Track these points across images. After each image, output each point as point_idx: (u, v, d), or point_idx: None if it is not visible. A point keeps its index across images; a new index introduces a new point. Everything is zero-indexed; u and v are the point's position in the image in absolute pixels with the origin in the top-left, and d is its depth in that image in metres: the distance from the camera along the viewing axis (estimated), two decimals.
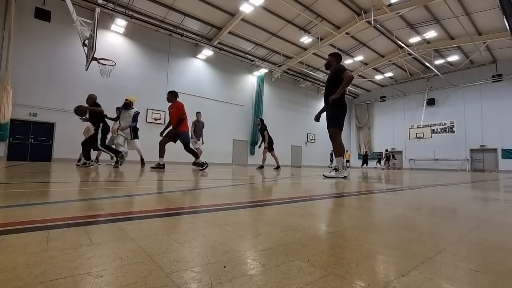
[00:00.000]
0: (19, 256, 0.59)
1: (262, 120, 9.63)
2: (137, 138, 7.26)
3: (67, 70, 11.95)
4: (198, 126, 9.03)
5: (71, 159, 11.61)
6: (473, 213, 1.42)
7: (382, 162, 22.45)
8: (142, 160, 7.21)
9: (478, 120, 19.73)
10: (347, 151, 21.93)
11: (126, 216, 1.07)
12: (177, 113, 5.86)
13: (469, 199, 2.13)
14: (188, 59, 16.10)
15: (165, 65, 15.12)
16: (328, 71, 4.70)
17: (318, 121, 5.05)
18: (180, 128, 5.87)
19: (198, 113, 9.14)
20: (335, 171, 4.30)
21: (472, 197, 2.33)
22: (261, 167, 9.18)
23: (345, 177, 4.22)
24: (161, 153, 5.95)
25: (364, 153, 23.36)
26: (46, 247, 0.65)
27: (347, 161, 22.75)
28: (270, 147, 9.39)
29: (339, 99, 4.32)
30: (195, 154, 6.05)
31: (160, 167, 5.86)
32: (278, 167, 9.17)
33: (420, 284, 0.50)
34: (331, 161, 21.34)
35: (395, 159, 22.10)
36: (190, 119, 6.90)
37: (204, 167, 5.84)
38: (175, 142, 6.05)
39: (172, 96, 6.05)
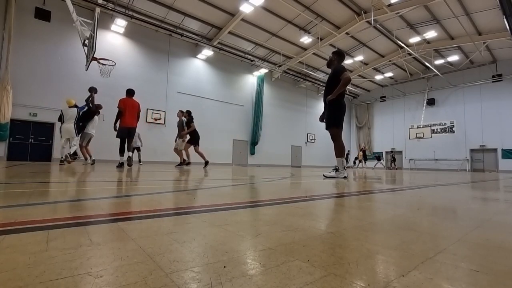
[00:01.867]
0: (19, 256, 0.59)
1: (189, 112, 8.61)
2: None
3: (67, 70, 11.94)
4: (178, 125, 8.53)
5: None
6: (473, 213, 1.42)
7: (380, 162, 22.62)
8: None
9: (478, 120, 19.72)
10: (362, 149, 21.17)
11: (126, 216, 1.07)
12: None
13: (469, 199, 2.13)
14: (188, 59, 16.09)
15: (165, 65, 15.12)
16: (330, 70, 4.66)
17: (323, 122, 4.94)
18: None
19: (178, 112, 8.74)
20: (336, 171, 4.30)
21: (472, 197, 2.33)
22: (184, 163, 8.22)
23: (345, 177, 4.22)
24: (121, 151, 6.36)
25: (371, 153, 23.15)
26: (46, 247, 0.65)
27: (361, 160, 21.85)
28: (195, 142, 8.39)
29: (338, 100, 4.31)
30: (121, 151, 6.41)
31: (121, 165, 6.14)
32: (206, 164, 8.19)
33: (420, 284, 0.50)
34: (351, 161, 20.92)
35: (381, 159, 22.25)
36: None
37: (122, 164, 6.14)
38: (129, 137, 6.51)
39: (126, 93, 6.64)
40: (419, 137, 21.05)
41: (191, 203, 1.49)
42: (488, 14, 13.94)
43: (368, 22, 14.42)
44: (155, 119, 14.36)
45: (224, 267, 0.56)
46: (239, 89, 18.60)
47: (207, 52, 15.96)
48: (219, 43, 16.16)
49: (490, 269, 0.59)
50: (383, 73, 21.65)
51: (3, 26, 10.65)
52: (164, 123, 14.54)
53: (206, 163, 8.20)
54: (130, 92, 6.67)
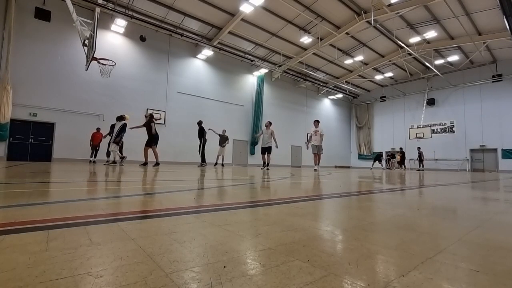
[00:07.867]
0: (19, 256, 0.59)
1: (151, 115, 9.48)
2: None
3: (67, 70, 11.94)
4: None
5: (71, 159, 11.62)
6: (473, 213, 1.42)
7: (383, 162, 22.28)
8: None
9: (478, 120, 19.72)
10: (398, 152, 20.98)
11: (126, 216, 1.07)
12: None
13: (469, 199, 2.12)
14: (188, 59, 16.09)
15: (165, 65, 15.11)
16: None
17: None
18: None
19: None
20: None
21: (472, 197, 2.33)
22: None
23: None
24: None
25: (378, 152, 22.37)
26: (46, 247, 0.65)
27: (398, 162, 21.35)
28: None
29: None
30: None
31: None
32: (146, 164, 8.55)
33: (420, 284, 0.50)
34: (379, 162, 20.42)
35: (395, 158, 21.84)
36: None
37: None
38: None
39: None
40: (419, 137, 21.03)
41: (191, 203, 1.49)
42: (488, 14, 13.94)
43: (368, 22, 14.41)
44: (155, 119, 14.31)
45: (224, 267, 0.56)
46: (239, 89, 18.59)
47: (207, 52, 15.95)
48: (219, 43, 16.15)
49: (490, 269, 0.59)
50: (383, 73, 21.64)
51: (3, 26, 10.65)
52: (164, 123, 14.53)
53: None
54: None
